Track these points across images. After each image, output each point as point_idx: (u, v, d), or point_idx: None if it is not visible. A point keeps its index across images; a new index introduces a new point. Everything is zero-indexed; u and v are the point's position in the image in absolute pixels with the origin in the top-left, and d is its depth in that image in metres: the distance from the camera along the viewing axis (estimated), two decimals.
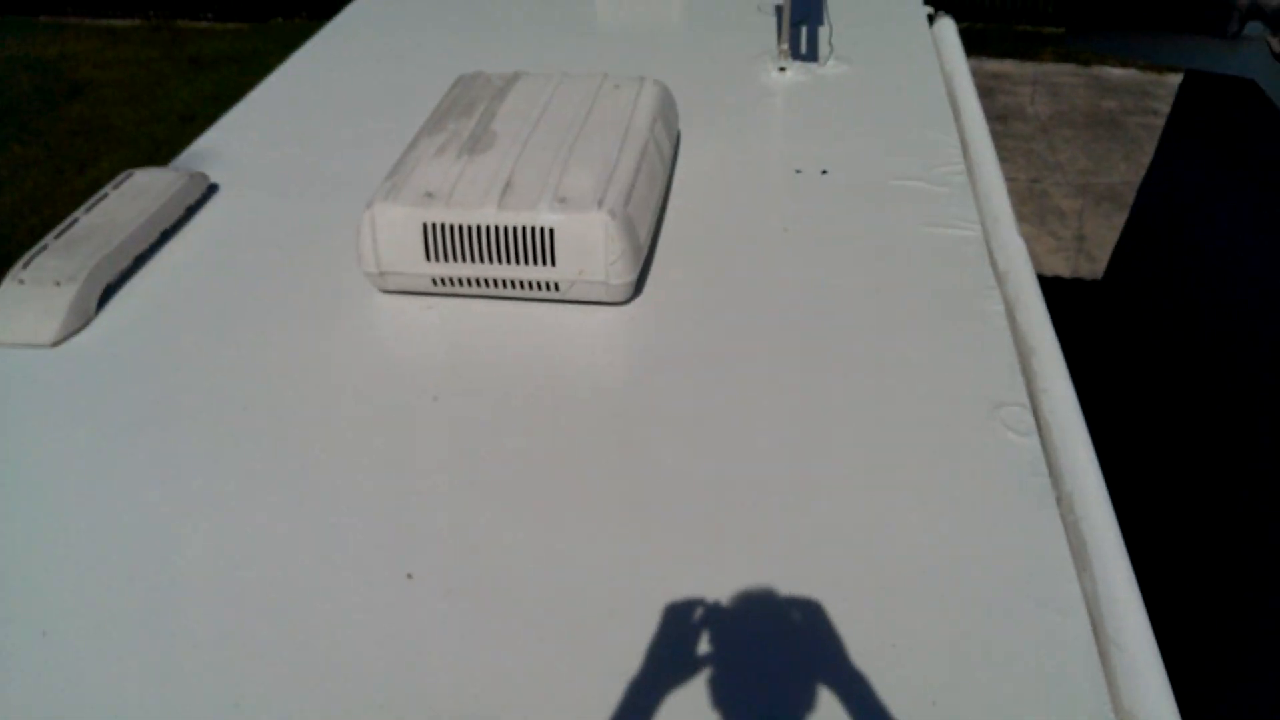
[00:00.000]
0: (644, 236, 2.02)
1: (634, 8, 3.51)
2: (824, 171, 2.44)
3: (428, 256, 1.94)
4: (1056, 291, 6.22)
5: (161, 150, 8.77)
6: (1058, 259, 6.68)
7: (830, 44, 3.03)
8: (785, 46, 2.92)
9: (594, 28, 3.34)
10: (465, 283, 1.97)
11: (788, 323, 1.92)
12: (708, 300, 2.00)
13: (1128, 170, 7.71)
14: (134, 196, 2.28)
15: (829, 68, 2.97)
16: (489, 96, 2.32)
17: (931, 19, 3.35)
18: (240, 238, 2.25)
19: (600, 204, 1.90)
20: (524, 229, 1.89)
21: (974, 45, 9.20)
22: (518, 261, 1.93)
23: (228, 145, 2.65)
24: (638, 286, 2.02)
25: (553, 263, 1.92)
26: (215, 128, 2.74)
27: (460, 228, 1.91)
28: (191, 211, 2.35)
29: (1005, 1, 10.70)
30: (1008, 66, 9.66)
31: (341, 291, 2.05)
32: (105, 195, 2.28)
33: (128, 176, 2.35)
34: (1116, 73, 9.65)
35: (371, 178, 2.41)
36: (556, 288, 1.95)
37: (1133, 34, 3.19)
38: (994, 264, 2.09)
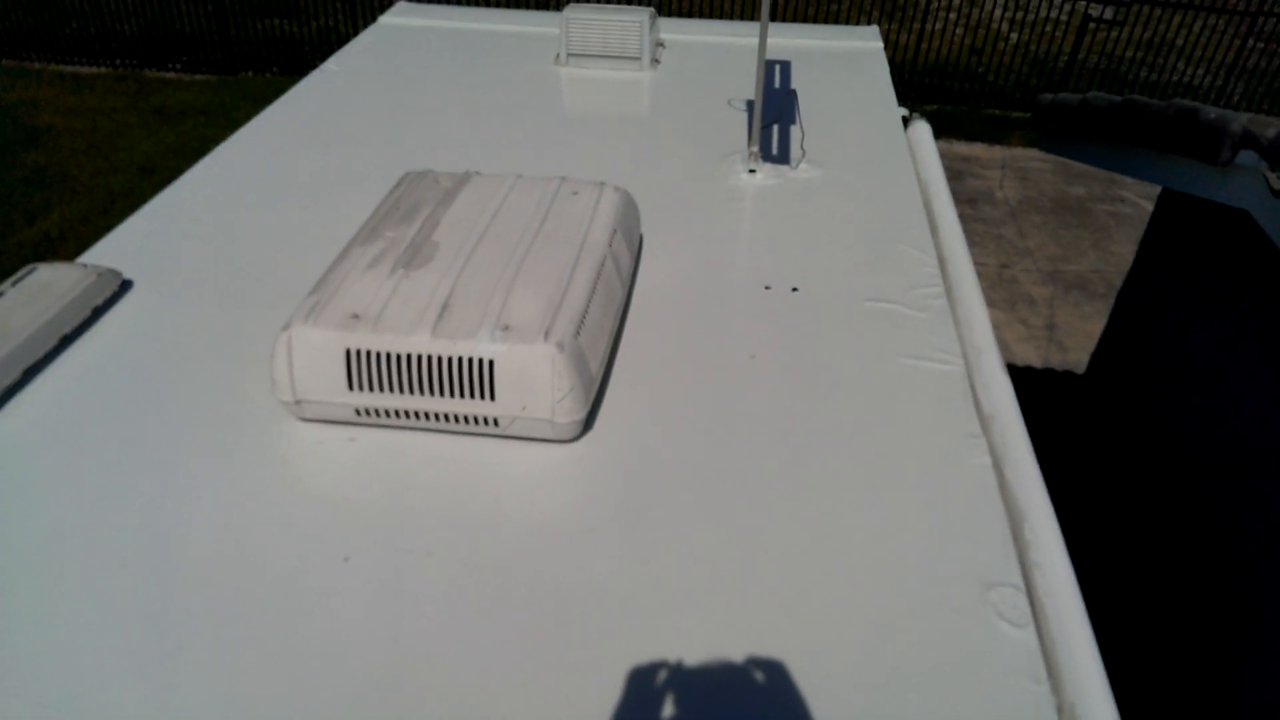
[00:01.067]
0: (596, 368, 1.82)
1: (601, 95, 3.37)
2: (795, 289, 2.27)
3: (351, 385, 1.73)
4: (1029, 382, 6.11)
5: (117, 204, 8.52)
6: (1028, 348, 6.61)
7: (802, 147, 2.90)
8: (755, 149, 2.78)
9: (557, 116, 3.19)
10: (393, 414, 1.76)
11: (752, 472, 1.72)
12: (665, 438, 1.80)
13: (1097, 258, 7.71)
14: (34, 295, 2.05)
15: (800, 171, 2.84)
16: (434, 200, 2.13)
17: (906, 121, 3.24)
18: (147, 346, 2.03)
19: (547, 334, 1.70)
20: (460, 360, 1.69)
21: (944, 128, 9.27)
22: (453, 394, 1.72)
23: (150, 235, 2.43)
24: (587, 421, 1.82)
25: (492, 397, 1.71)
26: (139, 214, 2.53)
27: (388, 356, 1.70)
28: (99, 313, 2.12)
29: (974, 86, 10.85)
30: (977, 149, 9.73)
31: (253, 418, 1.83)
32: (2, 293, 2.05)
33: (30, 271, 2.13)
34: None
35: (300, 280, 2.21)
36: (496, 423, 1.75)
37: (1111, 147, 3.10)
38: (978, 405, 1.91)
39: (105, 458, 1.72)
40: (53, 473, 1.69)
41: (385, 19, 4.03)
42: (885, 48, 3.91)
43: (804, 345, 2.07)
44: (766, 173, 2.82)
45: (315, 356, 1.72)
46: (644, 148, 2.98)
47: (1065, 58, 10.93)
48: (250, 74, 11.41)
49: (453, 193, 2.17)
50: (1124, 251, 7.79)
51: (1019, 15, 12.15)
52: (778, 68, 3.63)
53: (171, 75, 11.30)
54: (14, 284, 2.08)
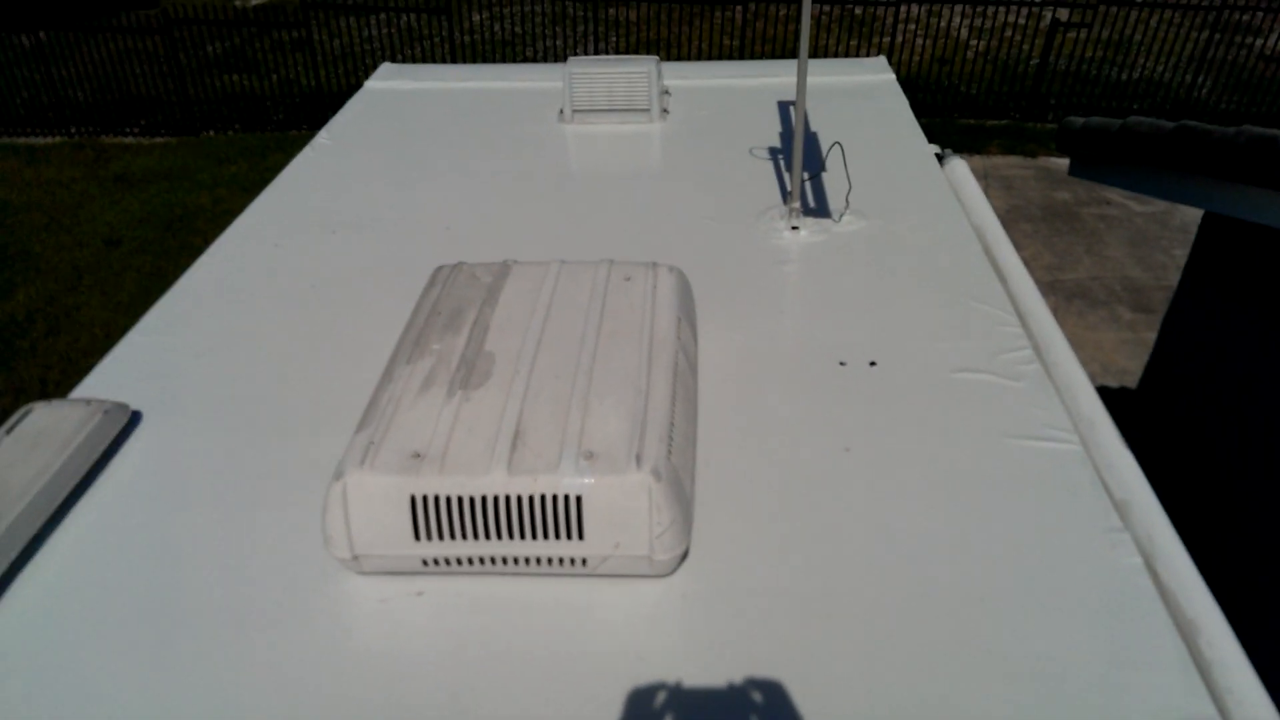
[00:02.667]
0: (690, 487, 1.62)
1: (614, 152, 3.18)
2: (872, 363, 2.08)
3: (418, 535, 1.51)
4: None
5: (84, 279, 8.20)
6: None
7: (847, 199, 2.72)
8: (797, 205, 2.60)
9: (573, 178, 3.00)
10: (466, 561, 1.54)
11: (873, 594, 1.52)
12: (770, 561, 1.60)
13: (1093, 265, 7.63)
14: (34, 444, 1.81)
15: (845, 224, 2.66)
16: (477, 300, 1.92)
17: (940, 158, 3.08)
18: (169, 495, 1.79)
19: (639, 459, 1.50)
20: (543, 498, 1.48)
21: None
22: (535, 536, 1.50)
23: (153, 354, 2.20)
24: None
25: (580, 536, 1.50)
26: (138, 329, 2.29)
27: (460, 500, 1.49)
28: (108, 456, 1.88)
29: (945, 98, 10.83)
30: None
31: (304, 575, 1.60)
32: None
33: (26, 414, 1.88)
34: (1063, 163, 9.71)
35: (336, 400, 1.98)
36: (584, 563, 1.53)
37: (1162, 174, 2.97)
38: (1108, 491, 1.73)
39: (135, 640, 1.49)
40: (74, 665, 1.45)
41: (371, 83, 3.82)
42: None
43: (899, 431, 1.88)
44: (809, 228, 2.64)
45: (376, 507, 1.50)
46: (672, 208, 2.79)
47: (1034, 61, 10.95)
48: (212, 133, 11.13)
49: (495, 289, 1.96)
50: (1118, 256, 7.73)
51: (979, 23, 12.18)
52: (791, 109, 3.46)
53: (130, 140, 11.00)
54: (8, 431, 1.84)
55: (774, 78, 3.73)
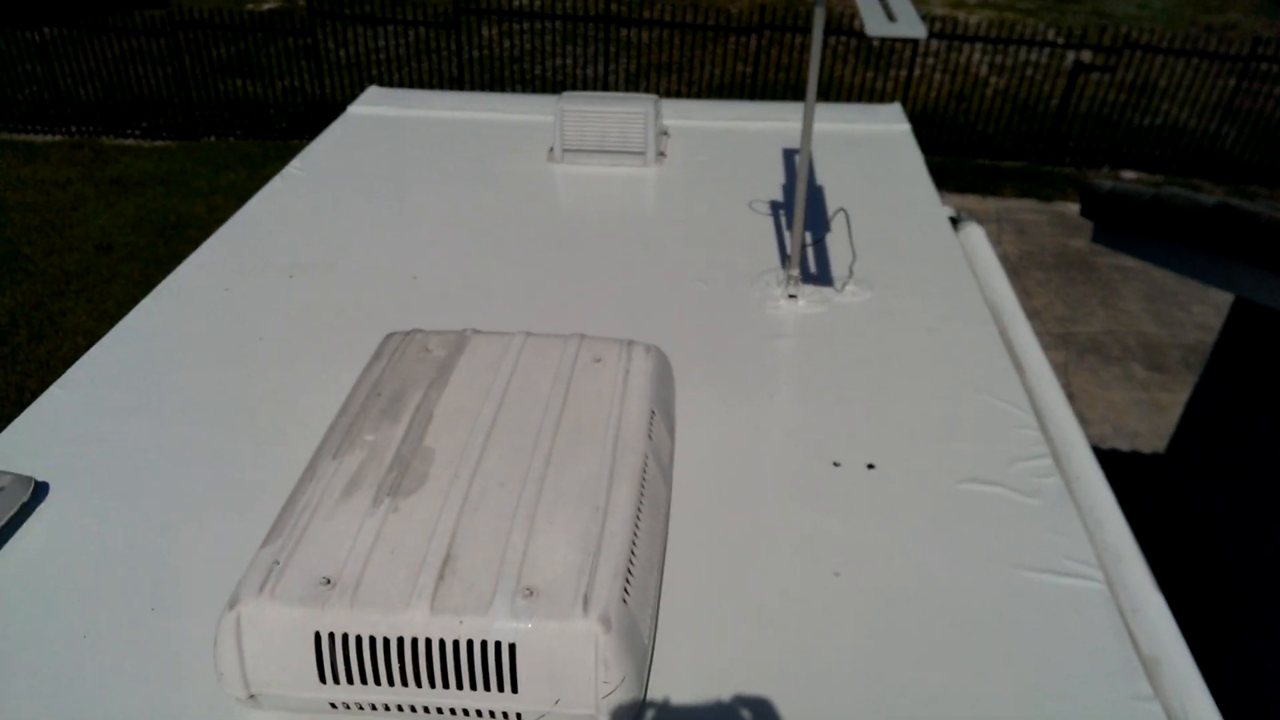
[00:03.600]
0: (649, 631, 1.39)
1: (604, 199, 2.97)
2: (870, 466, 1.85)
3: (323, 677, 1.28)
4: None
5: (72, 285, 8.01)
6: None
7: (851, 269, 2.50)
8: (795, 272, 2.38)
9: (556, 227, 2.78)
10: (380, 708, 1.31)
11: None
12: (742, 710, 1.36)
13: (1107, 318, 7.40)
14: None
15: (848, 294, 2.43)
16: (425, 379, 1.70)
17: (955, 222, 2.86)
18: (63, 589, 1.56)
19: (587, 602, 1.27)
20: (469, 644, 1.25)
21: (935, 178, 8.91)
22: (459, 686, 1.27)
23: (75, 412, 1.97)
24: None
25: (514, 689, 1.27)
26: (61, 383, 2.07)
27: (373, 640, 1.26)
28: (5, 535, 1.66)
29: (961, 136, 10.63)
30: (970, 202, 9.46)
31: (196, 700, 1.37)
32: None
33: None
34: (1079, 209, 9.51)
35: (265, 481, 1.76)
36: (519, 719, 1.30)
37: (1198, 254, 2.75)
38: (1135, 646, 1.49)
39: None
40: None
41: (354, 108, 3.62)
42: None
43: (895, 555, 1.64)
44: (808, 298, 2.41)
45: (275, 642, 1.27)
46: (660, 266, 2.57)
47: (1054, 102, 10.75)
48: (213, 138, 10.97)
49: (447, 366, 1.73)
50: (1133, 310, 7.50)
51: (999, 60, 12.00)
52: (796, 159, 3.24)
53: (130, 142, 10.84)
54: None
55: (781, 122, 3.52)
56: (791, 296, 2.40)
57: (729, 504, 1.75)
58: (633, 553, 1.38)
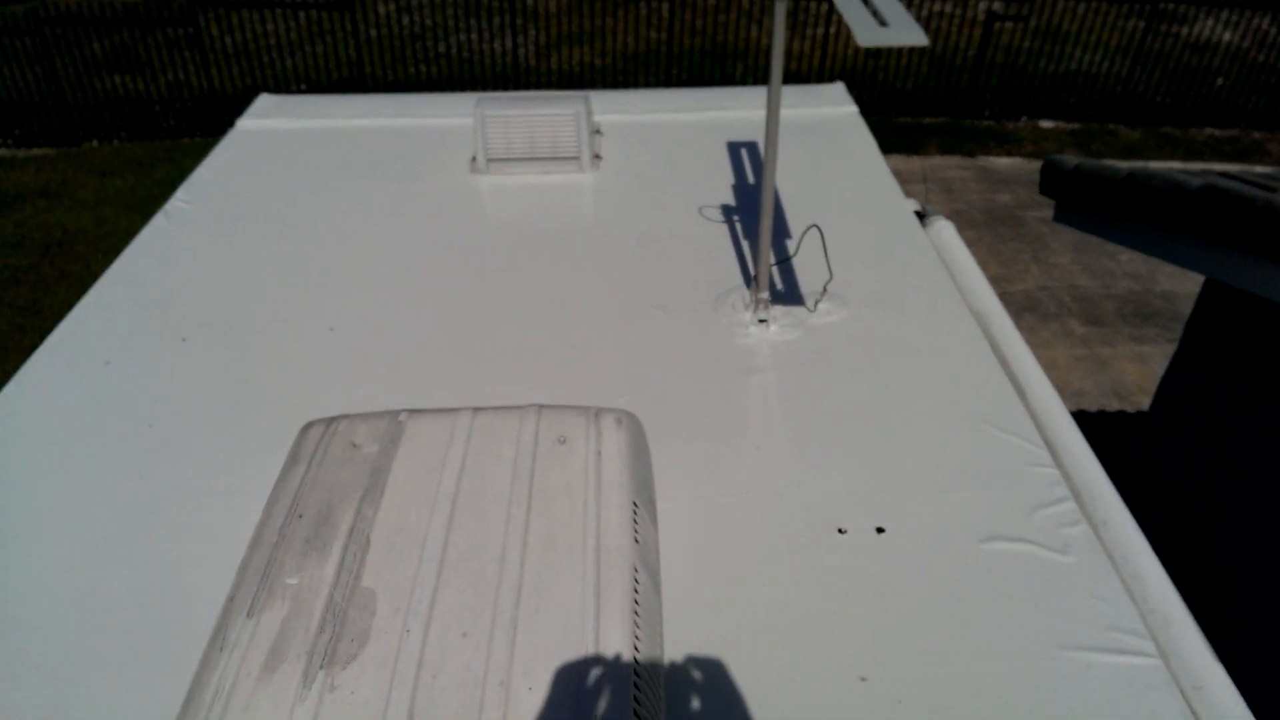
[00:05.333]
0: None
1: (536, 213, 2.66)
2: (880, 530, 1.62)
3: None
4: None
5: None
6: None
7: (825, 287, 2.25)
8: (764, 295, 2.13)
9: (485, 249, 2.47)
10: None
11: None
12: None
13: (1041, 274, 7.38)
14: None
15: (821, 313, 2.20)
16: (356, 490, 1.40)
17: (922, 218, 2.64)
18: None
19: None
20: None
21: None
22: None
23: None
24: None
25: None
26: None
27: None
28: None
29: (880, 95, 10.50)
30: (896, 162, 9.35)
31: None
32: None
33: None
34: (1003, 162, 9.49)
35: (158, 639, 1.43)
36: None
37: (1180, 239, 2.58)
38: None
39: None
40: None
41: (244, 122, 3.22)
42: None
43: (926, 649, 1.42)
44: (780, 321, 2.17)
45: None
46: (611, 291, 2.30)
47: (970, 53, 10.69)
48: (95, 142, 10.18)
49: (381, 469, 1.44)
50: (1064, 263, 7.50)
51: (912, 12, 11.86)
52: (744, 153, 2.99)
53: (3, 152, 9.99)
54: None
55: (721, 110, 3.25)
56: (761, 321, 2.16)
57: (720, 594, 1.50)
58: (637, 709, 1.12)
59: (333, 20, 10.64)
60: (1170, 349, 6.62)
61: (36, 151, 10.00)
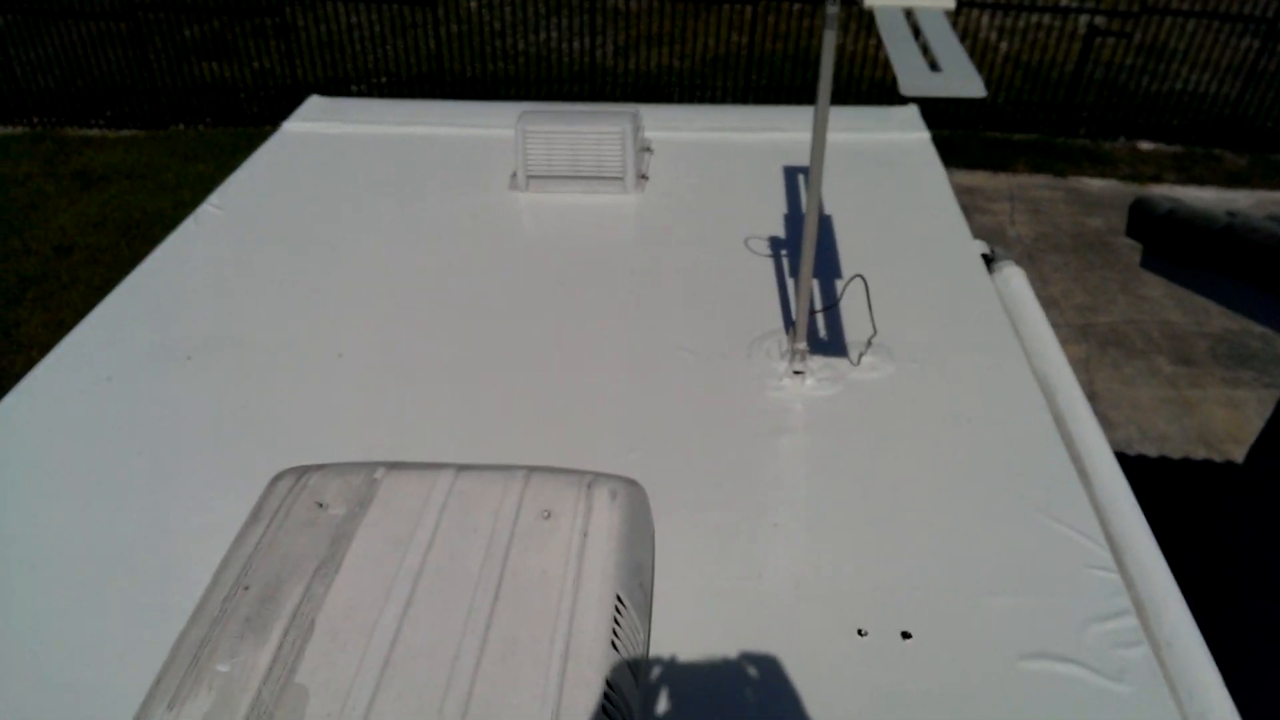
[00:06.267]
0: None
1: (574, 237, 2.52)
2: (905, 635, 1.43)
3: None
4: None
5: (29, 292, 7.57)
6: None
7: (871, 335, 2.05)
8: (802, 345, 1.94)
9: (515, 274, 2.34)
10: None
11: None
12: None
13: (1129, 306, 6.95)
14: None
15: (865, 367, 2.00)
16: (311, 562, 1.27)
17: (989, 262, 2.41)
18: None
19: None
20: None
21: (941, 155, 8.45)
22: None
23: None
24: None
25: None
26: None
27: None
28: None
29: (969, 106, 10.09)
30: (980, 179, 8.96)
31: None
32: None
33: None
34: (1096, 184, 9.01)
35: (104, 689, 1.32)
36: None
37: (1244, 284, 2.31)
38: None
39: None
40: None
41: (290, 125, 3.15)
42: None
43: None
44: (818, 374, 1.97)
45: None
46: (638, 328, 2.14)
47: (1067, 68, 10.20)
48: (182, 126, 10.45)
49: (343, 537, 1.30)
50: (1156, 295, 7.05)
51: (1009, 23, 11.40)
52: (800, 180, 2.79)
53: (94, 132, 10.32)
54: None
55: (781, 132, 3.05)
56: (797, 373, 1.97)
57: (715, 699, 1.33)
58: None
59: (415, 15, 10.70)
60: (1267, 395, 6.16)
61: (125, 133, 10.30)
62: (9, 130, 10.28)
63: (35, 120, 10.37)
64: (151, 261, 2.40)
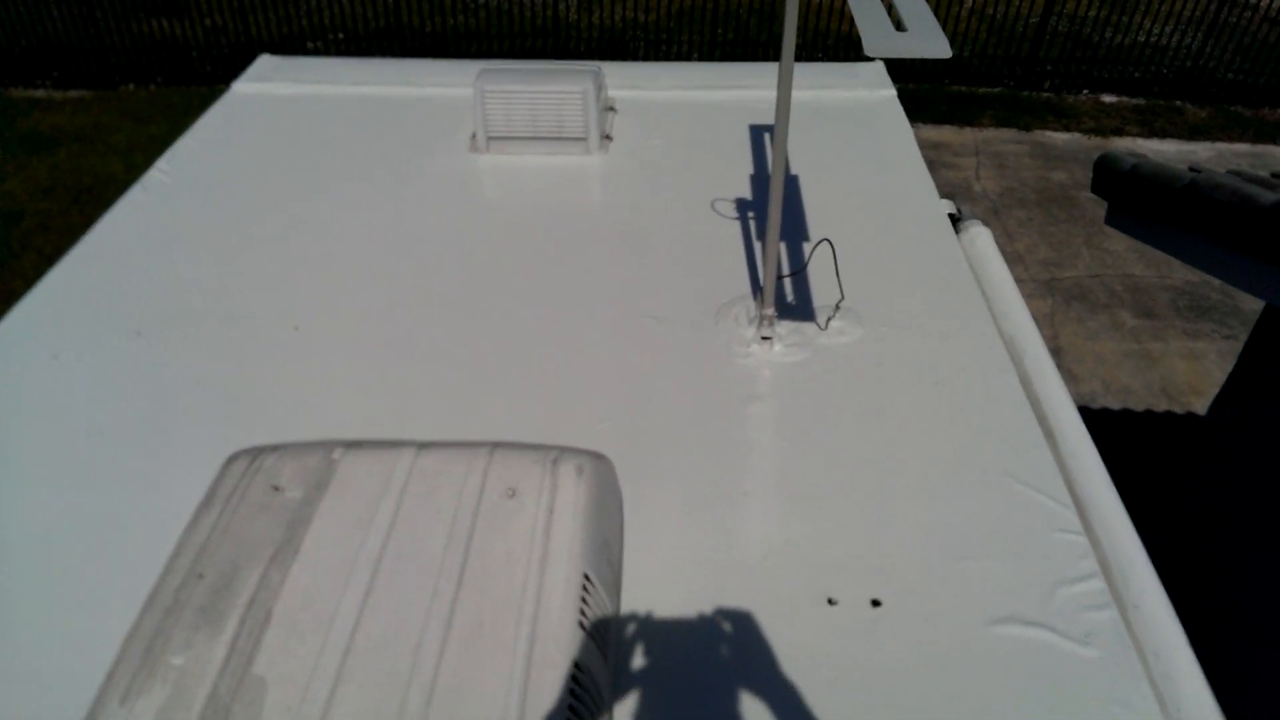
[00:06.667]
0: None
1: (535, 200, 2.46)
2: (875, 603, 1.42)
3: None
4: None
5: None
6: None
7: (839, 300, 2.03)
8: (770, 311, 1.91)
9: (475, 240, 2.28)
10: None
11: None
12: None
13: (1093, 260, 7.00)
14: None
15: (833, 332, 1.98)
16: (268, 547, 1.23)
17: (956, 222, 2.39)
18: None
19: None
20: None
21: (908, 109, 8.40)
22: None
23: None
24: None
25: None
26: None
27: None
28: None
29: (937, 62, 10.03)
30: (946, 134, 8.93)
31: None
32: None
33: None
34: (1061, 138, 9.03)
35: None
36: None
37: (1222, 250, 2.31)
38: None
39: None
40: None
41: (240, 85, 3.04)
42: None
43: None
44: (786, 340, 1.95)
45: None
46: (603, 293, 2.10)
47: (1033, 21, 10.15)
48: (132, 86, 10.11)
49: (301, 521, 1.27)
50: (1119, 249, 7.10)
51: None
52: (767, 139, 2.74)
53: (41, 93, 9.96)
54: None
55: (748, 89, 2.99)
56: (765, 339, 1.94)
57: (685, 672, 1.32)
58: None
59: None
60: (1226, 346, 6.26)
61: (73, 94, 9.96)
62: None
63: None
64: (97, 231, 2.31)
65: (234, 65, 10.02)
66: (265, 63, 3.19)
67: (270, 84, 3.04)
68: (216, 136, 2.75)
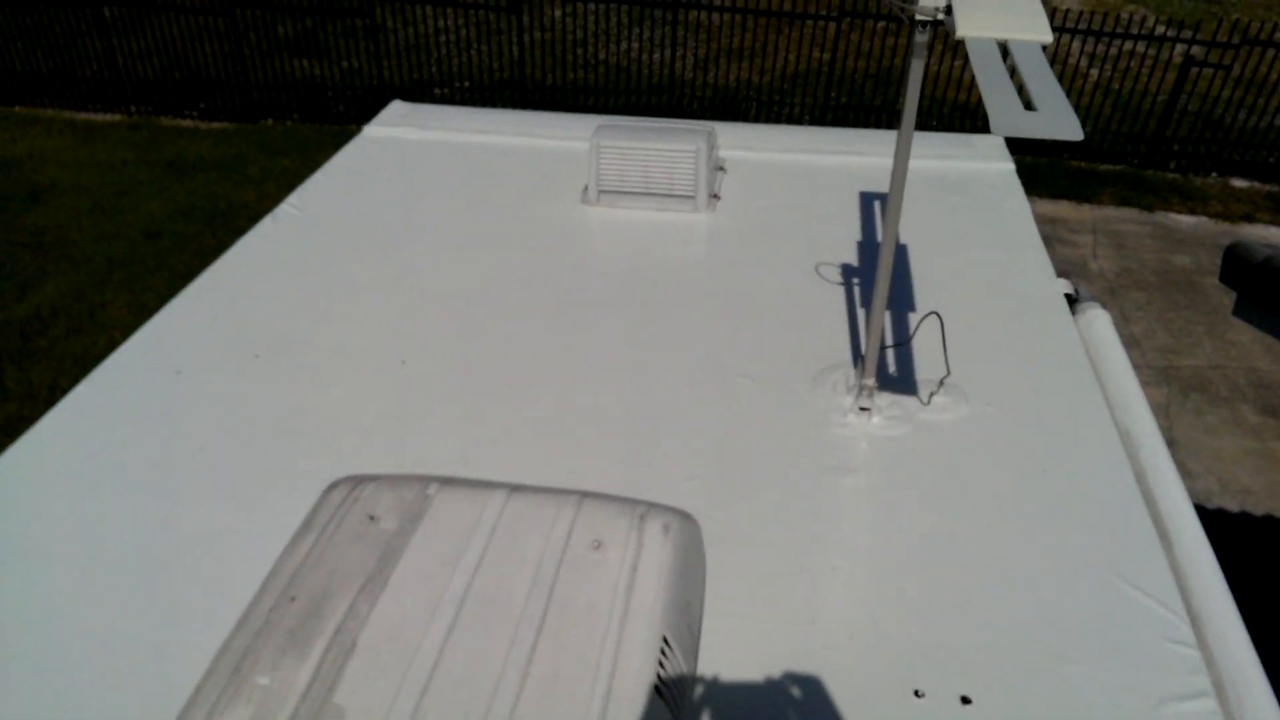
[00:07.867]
0: None
1: (642, 255, 2.49)
2: (965, 700, 1.36)
3: None
4: None
5: (115, 274, 7.84)
6: None
7: (944, 375, 1.98)
8: (871, 381, 1.87)
9: (581, 291, 2.32)
10: None
11: None
12: None
13: (1214, 350, 6.65)
14: None
15: (935, 408, 1.92)
16: (358, 576, 1.25)
17: (1072, 302, 2.31)
18: None
19: None
20: None
21: (1025, 181, 8.21)
22: None
23: None
24: None
25: None
26: None
27: None
28: None
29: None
30: (1063, 209, 8.69)
31: None
32: None
33: None
34: (1186, 220, 8.68)
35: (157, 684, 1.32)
36: None
37: None
38: None
39: None
40: None
41: (371, 129, 3.19)
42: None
43: None
44: (885, 412, 1.91)
45: None
46: (701, 350, 2.09)
47: (1161, 99, 9.85)
48: (270, 121, 10.74)
49: (393, 553, 1.29)
50: (1244, 341, 6.73)
51: (1100, 49, 11.05)
52: (877, 207, 2.72)
53: (188, 123, 10.67)
54: None
55: (859, 156, 2.98)
56: (863, 409, 1.90)
57: None
58: None
59: (500, 21, 10.83)
60: None
61: (217, 125, 10.62)
62: (108, 118, 10.70)
63: (133, 109, 10.77)
64: (228, 258, 2.45)
65: (365, 105, 10.56)
66: (396, 108, 3.34)
67: (399, 129, 3.19)
68: (345, 176, 2.89)
